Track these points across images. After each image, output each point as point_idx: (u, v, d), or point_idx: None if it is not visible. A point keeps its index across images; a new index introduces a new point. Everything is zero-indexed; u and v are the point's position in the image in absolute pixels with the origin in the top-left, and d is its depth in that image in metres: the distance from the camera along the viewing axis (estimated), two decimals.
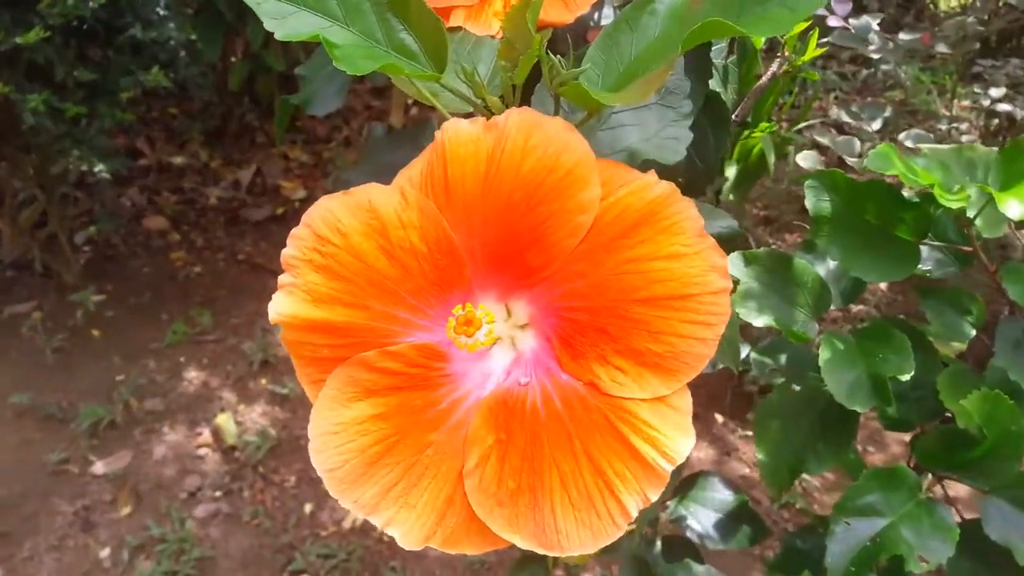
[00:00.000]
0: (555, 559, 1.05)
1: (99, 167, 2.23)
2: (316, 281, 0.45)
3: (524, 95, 0.55)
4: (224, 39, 2.87)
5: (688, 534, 0.93)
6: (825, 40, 0.88)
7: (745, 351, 0.99)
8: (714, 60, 0.79)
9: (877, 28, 1.21)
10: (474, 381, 0.47)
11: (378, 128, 0.87)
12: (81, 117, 2.19)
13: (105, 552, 1.88)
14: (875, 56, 1.24)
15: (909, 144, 1.12)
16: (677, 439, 0.41)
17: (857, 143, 1.11)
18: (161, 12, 2.38)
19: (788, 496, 2.04)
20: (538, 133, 0.43)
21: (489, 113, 0.52)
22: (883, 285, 2.52)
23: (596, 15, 0.77)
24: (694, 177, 0.81)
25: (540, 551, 0.41)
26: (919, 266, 0.74)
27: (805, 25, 0.84)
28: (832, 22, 1.14)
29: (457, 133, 0.45)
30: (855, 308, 2.42)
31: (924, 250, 0.77)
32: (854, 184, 0.74)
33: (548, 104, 0.58)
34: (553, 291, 0.45)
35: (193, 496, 2.02)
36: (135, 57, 2.34)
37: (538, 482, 0.42)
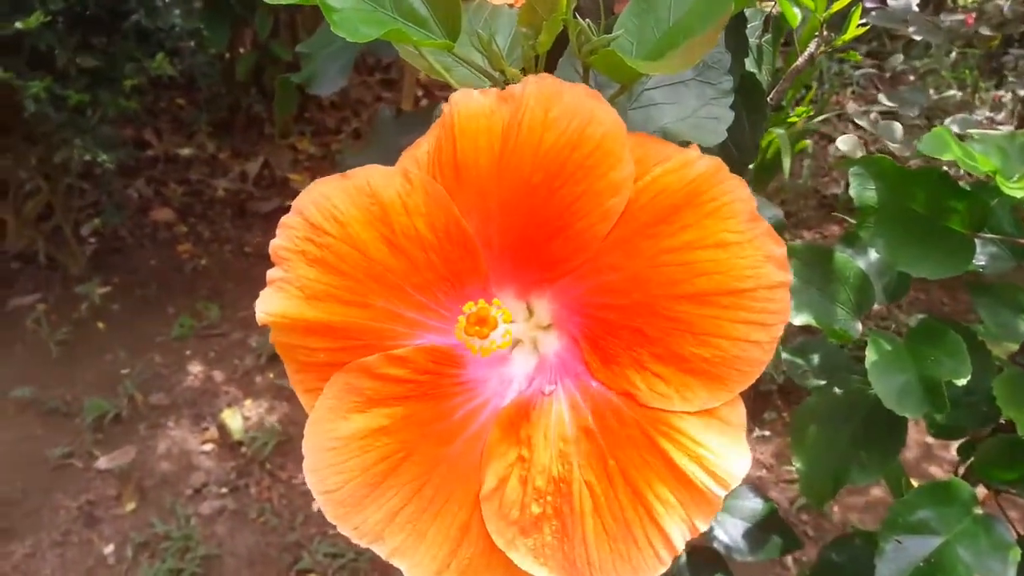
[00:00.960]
0: None
1: (102, 157, 2.18)
2: (310, 276, 0.39)
3: (548, 69, 0.49)
4: (232, 29, 2.82)
5: (715, 545, 0.87)
6: (863, 21, 0.82)
7: None
8: (749, 39, 0.74)
9: (916, 8, 1.14)
10: (492, 389, 0.41)
11: (386, 110, 0.81)
12: (84, 105, 2.15)
13: (109, 549, 1.84)
14: (917, 37, 1.17)
15: (956, 129, 1.06)
16: (730, 458, 0.35)
17: (899, 128, 1.04)
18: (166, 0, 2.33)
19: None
20: (560, 103, 0.37)
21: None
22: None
23: None
24: (729, 164, 0.75)
25: None
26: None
27: (846, 1, 0.78)
28: (868, 3, 1.07)
29: (468, 105, 0.39)
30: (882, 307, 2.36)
31: (977, 243, 0.71)
32: (903, 171, 0.68)
33: (574, 79, 0.52)
34: (581, 286, 0.39)
35: (198, 492, 1.98)
36: (140, 45, 2.29)
37: (567, 507, 0.36)
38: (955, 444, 0.81)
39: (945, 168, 0.68)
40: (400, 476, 0.38)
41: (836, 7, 0.79)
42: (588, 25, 0.44)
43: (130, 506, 1.94)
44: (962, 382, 0.62)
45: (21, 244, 2.57)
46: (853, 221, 0.73)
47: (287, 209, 0.40)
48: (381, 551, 0.37)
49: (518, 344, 0.43)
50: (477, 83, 0.51)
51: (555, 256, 0.39)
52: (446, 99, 0.41)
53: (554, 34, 0.45)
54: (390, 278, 0.40)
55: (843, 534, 0.85)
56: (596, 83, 0.54)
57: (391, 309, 0.40)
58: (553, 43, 0.47)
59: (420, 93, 3.30)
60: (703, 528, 0.35)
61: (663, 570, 0.34)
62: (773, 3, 0.86)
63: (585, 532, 0.36)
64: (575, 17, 0.43)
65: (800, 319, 0.69)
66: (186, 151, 3.16)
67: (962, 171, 0.70)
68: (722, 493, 0.34)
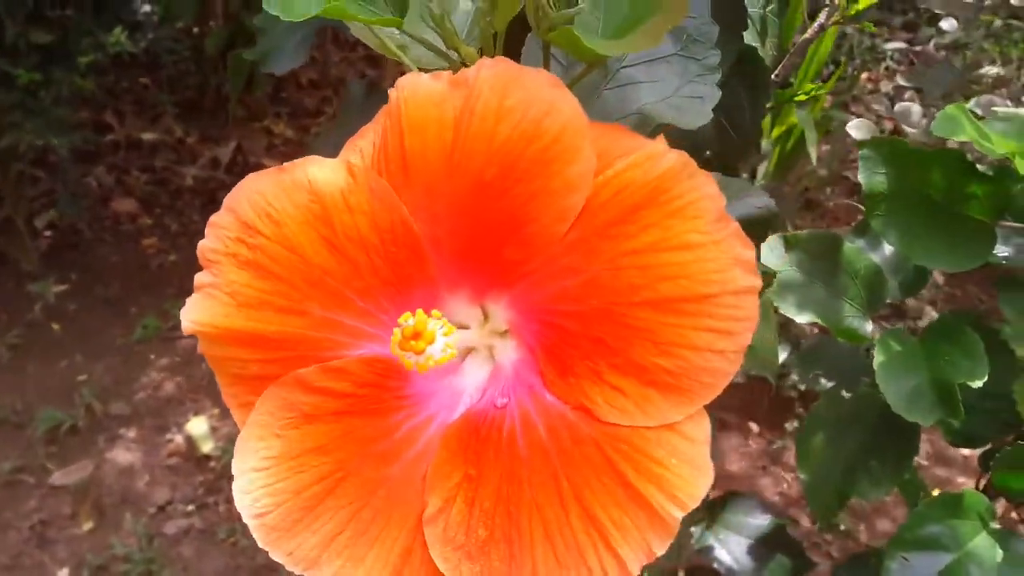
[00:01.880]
0: None
1: (57, 142, 2.19)
2: (241, 280, 0.40)
3: (510, 48, 0.50)
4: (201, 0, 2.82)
5: (716, 566, 0.88)
6: None
7: (785, 353, 0.94)
8: (749, 9, 0.74)
9: None
10: (440, 402, 0.42)
11: (356, 86, 0.81)
12: (35, 85, 2.15)
13: (63, 572, 1.86)
14: (939, 11, 1.17)
15: (978, 111, 1.06)
16: (690, 478, 0.35)
17: (917, 110, 1.04)
18: None
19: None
20: (516, 91, 0.37)
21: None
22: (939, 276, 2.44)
23: None
24: (726, 149, 0.75)
25: None
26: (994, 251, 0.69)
27: None
28: None
29: (416, 92, 0.39)
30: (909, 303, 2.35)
31: (1000, 233, 0.71)
32: (916, 154, 0.68)
33: (540, 60, 0.52)
34: (537, 291, 0.40)
35: (162, 510, 2.00)
36: (97, 17, 2.30)
37: (515, 531, 0.37)
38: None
39: (965, 152, 0.68)
40: (337, 498, 0.39)
41: None
42: (548, 0, 0.44)
43: (87, 525, 1.95)
44: (978, 384, 0.62)
45: None
46: None
47: None
48: None
49: (471, 352, 0.43)
50: (435, 64, 0.52)
51: (509, 259, 0.39)
52: None
53: (511, 10, 0.45)
54: (329, 283, 0.40)
55: (857, 553, 0.86)
56: (565, 62, 0.55)
57: (330, 317, 0.41)
58: (520, 20, 0.47)
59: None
60: (660, 552, 0.35)
61: None
62: None
63: (535, 558, 0.36)
64: None
65: (804, 317, 0.70)
66: (150, 135, 3.17)
67: (984, 155, 0.70)
68: (680, 515, 0.35)
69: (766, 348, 0.60)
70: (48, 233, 2.75)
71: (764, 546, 0.90)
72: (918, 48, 2.74)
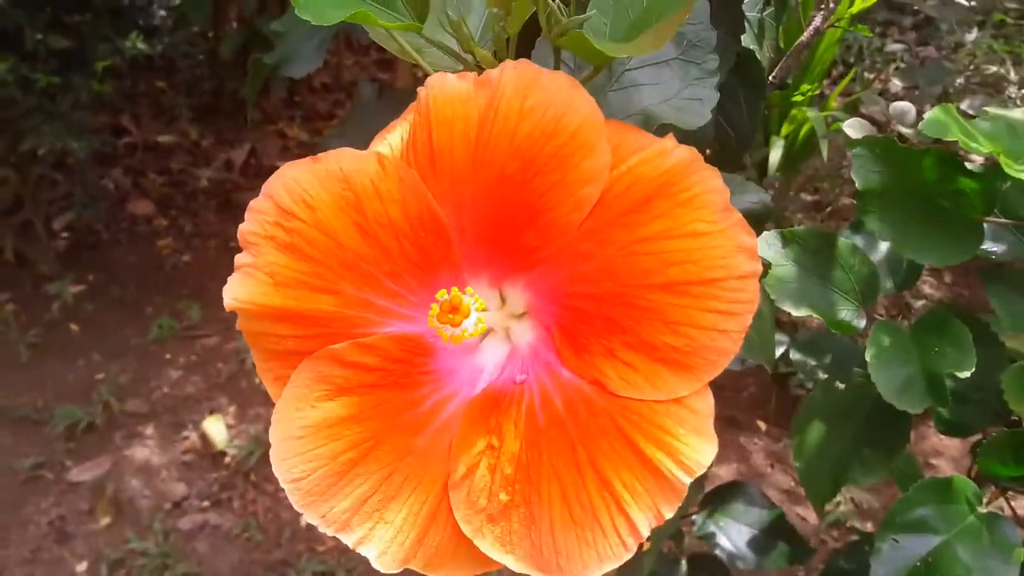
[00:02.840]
0: None
1: (75, 145, 2.22)
2: (279, 262, 0.42)
3: (521, 51, 0.52)
4: (215, 4, 2.85)
5: (718, 552, 0.90)
6: None
7: (782, 348, 0.96)
8: (747, 13, 0.76)
9: None
10: (462, 379, 0.45)
11: (367, 87, 0.83)
12: (54, 89, 2.18)
13: (82, 566, 1.87)
14: (934, 15, 1.19)
15: (971, 112, 1.08)
16: (697, 446, 0.38)
17: (912, 110, 1.07)
18: None
19: (837, 514, 2.00)
20: (537, 91, 0.40)
21: (481, 71, 0.50)
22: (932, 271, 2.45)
23: None
24: (725, 147, 0.77)
25: (536, 575, 0.39)
26: (983, 246, 0.71)
27: None
28: None
29: (443, 91, 0.42)
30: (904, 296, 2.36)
31: (989, 229, 0.73)
32: (908, 152, 0.71)
33: (550, 61, 0.55)
34: (554, 275, 0.42)
35: (178, 506, 2.01)
36: (114, 22, 2.33)
37: (535, 495, 0.39)
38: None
39: (956, 150, 0.70)
40: (368, 464, 0.41)
41: None
42: (559, 5, 0.47)
43: (104, 521, 1.97)
44: (965, 374, 0.65)
45: None
46: None
47: None
48: (348, 540, 0.41)
49: (490, 333, 0.46)
50: (450, 66, 0.54)
51: (528, 245, 0.42)
52: None
53: (524, 15, 0.48)
54: (361, 265, 0.43)
55: (854, 541, 0.88)
56: (573, 65, 0.57)
57: (361, 296, 0.43)
58: (530, 24, 0.50)
59: (420, 75, 3.32)
60: (668, 515, 0.38)
61: (628, 556, 0.38)
62: None
63: (552, 519, 0.39)
64: None
65: (800, 310, 0.72)
66: (166, 138, 3.19)
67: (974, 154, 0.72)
68: (688, 480, 0.38)
69: (764, 336, 0.62)
70: (66, 234, 2.77)
71: (764, 534, 0.92)
72: (921, 49, 2.76)
